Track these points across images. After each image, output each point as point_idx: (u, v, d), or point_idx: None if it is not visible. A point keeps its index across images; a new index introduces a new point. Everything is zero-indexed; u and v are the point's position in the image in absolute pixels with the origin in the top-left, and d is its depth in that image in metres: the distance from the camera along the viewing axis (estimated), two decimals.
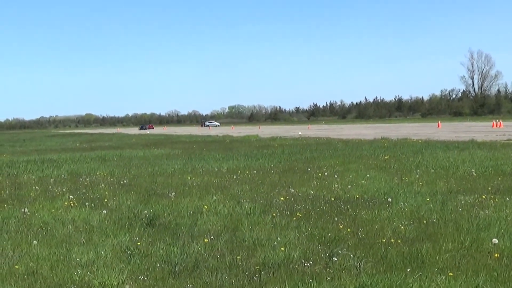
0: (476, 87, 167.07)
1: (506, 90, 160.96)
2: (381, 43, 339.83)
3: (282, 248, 8.08)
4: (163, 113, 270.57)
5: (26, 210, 11.99)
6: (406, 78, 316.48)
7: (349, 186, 13.98)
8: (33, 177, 19.58)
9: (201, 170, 19.99)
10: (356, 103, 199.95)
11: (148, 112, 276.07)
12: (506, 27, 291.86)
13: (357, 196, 12.50)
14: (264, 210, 11.20)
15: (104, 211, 11.62)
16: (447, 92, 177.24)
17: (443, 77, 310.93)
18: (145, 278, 7.03)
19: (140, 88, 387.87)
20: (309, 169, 18.57)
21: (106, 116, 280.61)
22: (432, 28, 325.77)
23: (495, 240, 7.93)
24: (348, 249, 7.96)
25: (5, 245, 9.12)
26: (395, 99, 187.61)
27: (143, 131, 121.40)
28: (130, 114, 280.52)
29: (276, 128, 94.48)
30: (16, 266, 7.81)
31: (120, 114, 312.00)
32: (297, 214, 10.59)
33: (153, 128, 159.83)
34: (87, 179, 17.94)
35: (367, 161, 20.74)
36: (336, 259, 7.48)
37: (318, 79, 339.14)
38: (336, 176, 16.27)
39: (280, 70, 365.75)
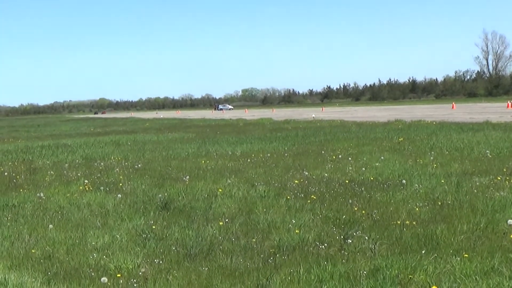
0: (490, 68, 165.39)
1: None
2: (394, 24, 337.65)
3: (296, 231, 8.09)
4: (176, 97, 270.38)
5: (42, 194, 12.08)
6: (420, 59, 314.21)
7: (363, 169, 13.95)
8: (48, 162, 19.70)
9: (215, 153, 20.01)
10: (370, 85, 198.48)
11: (162, 96, 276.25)
12: None
13: (371, 178, 12.47)
14: (279, 193, 11.21)
15: (119, 195, 11.69)
16: (461, 73, 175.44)
17: (457, 58, 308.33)
18: (161, 262, 7.07)
19: (153, 72, 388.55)
20: (323, 152, 18.53)
21: (119, 101, 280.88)
22: (446, 9, 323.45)
23: (510, 221, 7.86)
24: (363, 231, 7.96)
25: (21, 229, 9.21)
26: (409, 81, 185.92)
27: (97, 116, 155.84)
28: (144, 99, 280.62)
29: (290, 111, 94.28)
30: (33, 250, 7.89)
31: (134, 98, 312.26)
32: (312, 196, 10.58)
33: (105, 113, 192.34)
34: (102, 164, 18.03)
35: (381, 144, 20.66)
36: (350, 241, 7.48)
37: (331, 61, 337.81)
38: (350, 158, 16.22)
39: (293, 52, 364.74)
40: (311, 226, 8.46)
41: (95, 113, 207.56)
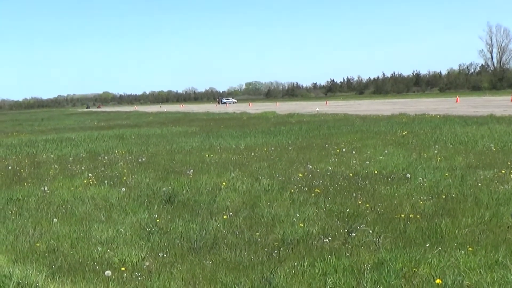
0: (494, 61, 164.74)
1: None
2: (398, 17, 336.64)
3: (300, 224, 8.09)
4: (180, 91, 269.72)
5: (46, 188, 12.09)
6: (423, 52, 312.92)
7: (367, 162, 13.93)
8: (52, 156, 19.72)
9: (219, 147, 20.02)
10: (374, 78, 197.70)
11: (165, 90, 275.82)
12: None
13: (376, 172, 12.45)
14: (283, 187, 11.20)
15: (123, 189, 11.70)
16: (465, 66, 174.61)
17: (461, 51, 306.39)
18: (165, 255, 7.08)
19: (156, 65, 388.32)
20: (327, 145, 18.52)
21: (123, 94, 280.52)
22: (450, 2, 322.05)
23: None
24: (367, 224, 7.96)
25: (25, 223, 9.23)
26: (413, 74, 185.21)
27: (88, 110, 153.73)
28: (147, 92, 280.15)
29: (294, 105, 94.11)
30: (37, 244, 7.90)
31: (137, 92, 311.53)
32: (316, 190, 10.58)
33: (100, 107, 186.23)
34: (106, 158, 18.04)
35: (385, 137, 20.64)
36: (354, 234, 7.48)
37: (335, 54, 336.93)
38: (354, 152, 16.21)
39: (296, 45, 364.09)
40: (315, 220, 8.46)
41: (87, 107, 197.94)
